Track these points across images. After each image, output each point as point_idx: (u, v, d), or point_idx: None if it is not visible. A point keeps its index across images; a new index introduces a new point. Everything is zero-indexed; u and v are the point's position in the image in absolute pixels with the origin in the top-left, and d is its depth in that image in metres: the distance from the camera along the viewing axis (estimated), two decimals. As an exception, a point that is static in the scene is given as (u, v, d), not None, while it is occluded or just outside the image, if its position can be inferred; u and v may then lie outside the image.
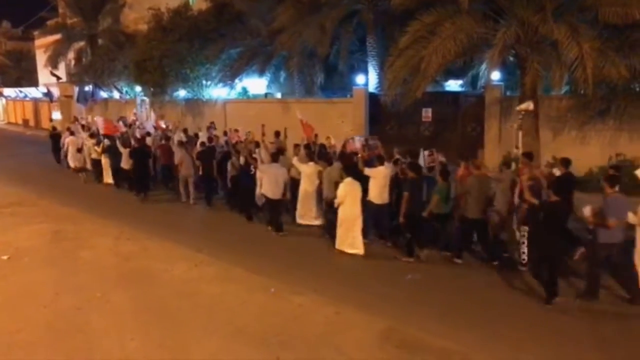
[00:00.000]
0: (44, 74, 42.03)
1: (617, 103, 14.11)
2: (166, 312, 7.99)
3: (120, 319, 7.77)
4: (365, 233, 10.54)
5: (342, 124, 19.75)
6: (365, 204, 10.54)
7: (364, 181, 10.56)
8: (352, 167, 11.12)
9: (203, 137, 16.60)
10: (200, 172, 14.68)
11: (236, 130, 17.03)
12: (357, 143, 13.65)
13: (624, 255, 8.06)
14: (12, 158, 26.47)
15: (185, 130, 18.81)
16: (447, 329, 7.29)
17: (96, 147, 18.00)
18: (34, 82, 47.01)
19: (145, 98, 29.20)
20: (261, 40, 22.67)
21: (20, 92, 47.81)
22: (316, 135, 15.13)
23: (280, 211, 12.18)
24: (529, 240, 9.02)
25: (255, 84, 24.74)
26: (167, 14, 26.04)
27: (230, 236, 12.03)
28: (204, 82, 25.01)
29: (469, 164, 10.28)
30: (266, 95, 25.04)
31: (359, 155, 12.50)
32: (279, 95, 24.76)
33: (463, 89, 18.62)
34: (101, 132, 18.85)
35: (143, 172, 15.81)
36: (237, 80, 24.01)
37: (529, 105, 11.78)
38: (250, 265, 9.84)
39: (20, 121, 49.63)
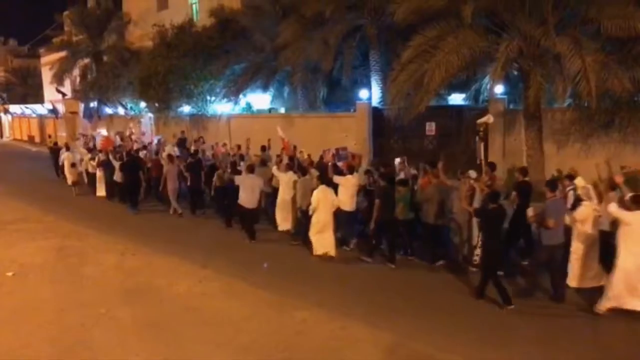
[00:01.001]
0: (49, 91, 42.42)
1: (621, 115, 14.08)
2: (171, 327, 7.96)
3: (125, 335, 7.75)
4: (344, 240, 11.41)
5: (346, 138, 19.77)
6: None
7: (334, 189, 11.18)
8: (326, 175, 11.77)
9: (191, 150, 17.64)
10: (189, 183, 15.24)
11: (224, 145, 18.15)
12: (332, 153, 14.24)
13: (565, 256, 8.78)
14: (17, 174, 26.63)
15: (179, 143, 19.77)
16: (455, 344, 7.23)
17: (92, 162, 18.63)
18: (39, 99, 47.36)
19: (150, 114, 29.39)
20: (265, 56, 22.80)
21: (26, 108, 48.17)
22: (295, 147, 15.71)
23: (255, 220, 12.77)
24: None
25: (259, 99, 24.86)
26: (171, 31, 26.26)
27: (232, 250, 12.02)
28: (208, 97, 25.14)
29: (429, 173, 10.75)
30: (270, 110, 25.13)
31: (330, 163, 13.06)
32: (282, 110, 24.84)
33: (466, 103, 18.63)
34: (97, 147, 19.68)
35: (133, 185, 16.27)
36: (241, 96, 24.11)
37: (488, 118, 12.18)
38: (254, 279, 9.83)
39: (25, 137, 49.92)
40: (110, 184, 17.70)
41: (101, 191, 18.41)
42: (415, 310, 8.45)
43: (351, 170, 11.64)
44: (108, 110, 34.89)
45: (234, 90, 23.66)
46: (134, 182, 16.27)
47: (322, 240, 10.96)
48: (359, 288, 9.51)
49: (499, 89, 15.84)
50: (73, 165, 19.41)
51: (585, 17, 12.64)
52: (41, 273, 10.70)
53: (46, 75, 40.61)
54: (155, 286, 9.73)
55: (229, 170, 13.75)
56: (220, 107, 25.16)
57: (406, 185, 10.73)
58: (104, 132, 27.93)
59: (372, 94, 19.92)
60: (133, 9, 34.91)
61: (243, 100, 24.70)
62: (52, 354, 7.29)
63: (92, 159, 18.70)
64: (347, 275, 10.21)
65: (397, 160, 12.37)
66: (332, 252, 10.94)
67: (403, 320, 8.03)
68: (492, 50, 13.19)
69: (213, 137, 22.69)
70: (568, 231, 8.75)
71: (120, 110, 33.24)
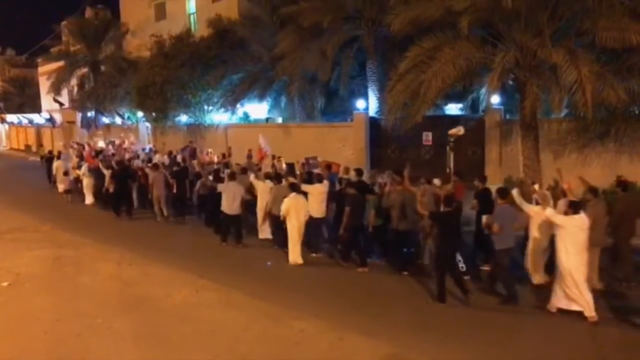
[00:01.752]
0: (46, 101, 42.47)
1: (617, 126, 14.19)
2: (167, 338, 7.92)
3: (121, 345, 7.70)
4: (316, 247, 11.83)
5: (343, 148, 19.84)
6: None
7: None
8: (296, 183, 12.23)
9: (178, 158, 18.63)
10: (174, 191, 15.61)
11: (207, 153, 19.37)
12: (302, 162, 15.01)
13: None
14: (13, 183, 26.60)
15: (170, 153, 20.26)
16: (451, 354, 7.22)
17: (77, 170, 19.29)
18: (36, 109, 47.42)
19: (147, 124, 29.43)
20: (262, 66, 22.91)
21: (23, 118, 48.17)
22: (274, 156, 16.90)
23: (237, 226, 13.03)
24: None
25: (257, 109, 24.94)
26: (169, 41, 26.39)
27: (229, 260, 12.02)
28: (205, 107, 25.22)
29: (394, 180, 11.00)
30: (267, 120, 25.20)
31: (299, 172, 13.89)
32: (280, 120, 24.92)
33: (463, 113, 18.72)
34: (85, 157, 20.36)
35: (123, 193, 16.65)
36: (238, 106, 24.21)
37: (459, 130, 12.64)
38: (251, 289, 9.80)
39: (22, 147, 49.90)
40: (100, 191, 17.97)
41: (88, 199, 18.73)
42: (410, 319, 8.44)
43: (320, 178, 12.13)
44: (105, 119, 34.91)
45: (232, 100, 23.76)
46: (123, 190, 16.66)
47: (297, 250, 11.37)
48: (350, 295, 9.51)
49: (496, 99, 15.92)
50: (65, 173, 19.73)
51: (580, 29, 12.73)
52: (37, 283, 10.63)
53: (43, 84, 40.70)
54: (152, 296, 9.68)
55: (211, 178, 14.12)
56: (218, 116, 25.22)
57: (374, 193, 11.24)
58: (101, 142, 28.09)
59: (369, 104, 20.01)
60: (131, 19, 35.05)
61: (240, 110, 24.79)
62: (48, 364, 7.24)
63: (79, 167, 19.27)
64: (339, 282, 10.23)
65: (371, 171, 13.15)
66: (300, 260, 11.36)
67: (399, 331, 8.01)
68: (488, 60, 13.27)
69: (210, 146, 22.72)
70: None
71: (118, 120, 33.26)
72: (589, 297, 8.01)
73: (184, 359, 7.27)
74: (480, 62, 13.52)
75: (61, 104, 38.18)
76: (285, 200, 11.24)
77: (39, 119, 45.00)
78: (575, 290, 8.00)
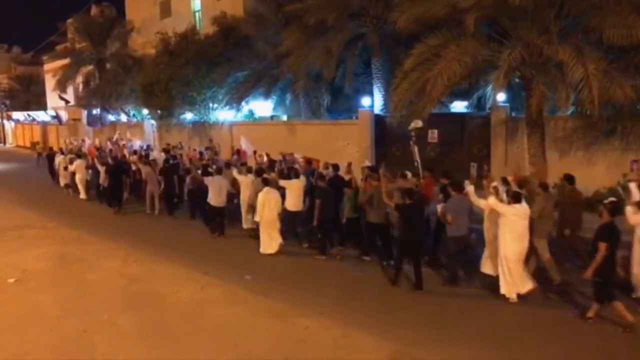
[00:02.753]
0: (52, 98, 42.57)
1: (624, 124, 14.09)
2: (172, 335, 7.94)
3: (127, 342, 7.73)
4: (284, 236, 12.15)
5: (348, 145, 19.81)
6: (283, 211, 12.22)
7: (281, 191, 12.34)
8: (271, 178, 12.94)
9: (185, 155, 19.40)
10: (162, 187, 16.34)
11: (194, 150, 20.62)
12: (298, 157, 15.46)
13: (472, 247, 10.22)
14: (19, 180, 26.71)
15: (164, 150, 20.63)
16: (458, 350, 7.21)
17: (70, 166, 19.78)
18: (42, 106, 47.58)
19: (152, 121, 29.48)
20: (267, 64, 22.89)
21: (29, 115, 48.34)
22: (255, 152, 17.84)
23: (223, 217, 13.81)
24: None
25: (262, 107, 24.92)
26: (174, 38, 26.38)
27: (232, 256, 12.08)
28: (210, 105, 25.22)
29: (370, 176, 11.45)
30: (272, 117, 25.19)
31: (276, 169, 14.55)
32: (285, 118, 24.91)
33: (469, 111, 18.65)
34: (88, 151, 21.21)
35: (117, 188, 17.20)
36: (243, 103, 24.20)
37: (416, 123, 13.09)
38: (255, 286, 9.82)
39: (28, 144, 50.11)
40: (96, 186, 18.94)
41: (82, 194, 19.40)
42: (415, 316, 8.44)
43: (297, 174, 12.84)
44: (111, 117, 34.99)
45: (236, 98, 23.75)
46: (117, 185, 17.26)
47: (269, 240, 11.91)
48: (353, 292, 9.52)
49: (501, 96, 15.85)
50: (65, 168, 20.25)
51: (587, 26, 12.65)
52: (43, 279, 10.68)
53: (49, 82, 40.76)
54: (157, 293, 9.71)
55: (199, 172, 14.79)
56: (223, 114, 25.23)
57: (351, 187, 11.75)
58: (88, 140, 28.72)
59: (374, 101, 19.97)
60: (136, 17, 35.07)
61: (245, 108, 24.77)
62: (54, 360, 7.27)
63: (71, 162, 19.80)
64: (343, 279, 10.22)
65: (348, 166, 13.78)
66: (277, 248, 11.88)
67: (404, 328, 8.01)
68: (494, 58, 13.20)
69: (215, 144, 22.77)
70: None
71: (123, 118, 33.34)
72: (518, 279, 8.72)
73: (190, 355, 7.28)
74: (486, 60, 13.45)
75: (67, 102, 38.30)
76: (259, 194, 11.89)
77: (44, 116, 45.14)
78: (510, 274, 8.70)
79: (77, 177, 19.29)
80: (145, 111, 29.35)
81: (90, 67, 35.65)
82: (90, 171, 19.22)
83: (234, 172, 13.97)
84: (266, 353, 7.29)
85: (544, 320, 8.17)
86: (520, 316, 8.40)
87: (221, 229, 13.71)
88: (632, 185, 9.03)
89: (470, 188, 9.70)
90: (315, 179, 12.28)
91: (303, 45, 20.13)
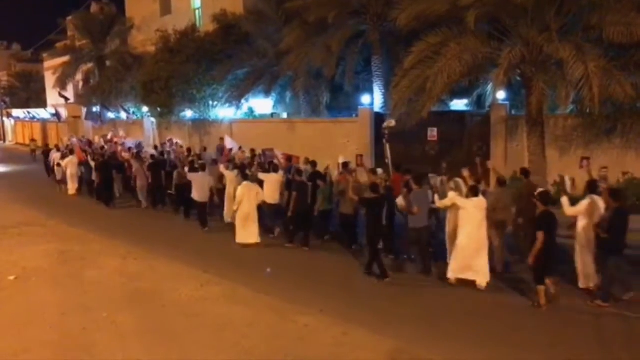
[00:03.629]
0: (52, 95, 42.58)
1: (624, 122, 14.10)
2: (173, 332, 7.95)
3: (127, 340, 7.73)
4: (266, 228, 12.98)
5: (348, 143, 19.80)
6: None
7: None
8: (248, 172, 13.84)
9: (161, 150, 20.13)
10: (149, 181, 16.94)
11: (181, 147, 21.01)
12: (278, 154, 16.03)
13: (434, 238, 11.03)
14: (19, 178, 26.68)
15: (156, 147, 21.27)
16: (456, 348, 7.21)
17: (60, 161, 20.33)
18: (42, 104, 47.57)
19: (152, 119, 29.46)
20: (268, 61, 22.87)
21: (29, 113, 48.31)
22: (240, 147, 18.33)
23: (206, 211, 14.44)
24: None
25: (262, 104, 24.90)
26: (174, 36, 26.33)
27: (231, 254, 12.10)
28: (210, 102, 25.19)
29: (345, 171, 12.57)
30: (272, 115, 25.17)
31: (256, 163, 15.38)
32: (285, 115, 24.89)
33: (469, 109, 18.64)
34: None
35: (107, 184, 17.94)
36: (243, 101, 24.17)
37: (390, 122, 13.82)
38: (255, 284, 9.82)
39: (28, 142, 50.07)
40: (88, 182, 19.64)
41: (72, 189, 19.91)
42: (416, 313, 8.44)
43: (275, 168, 13.47)
44: (111, 114, 34.98)
45: (237, 95, 23.73)
46: (107, 181, 17.98)
47: (246, 231, 12.39)
48: (354, 290, 9.53)
49: (502, 95, 15.83)
50: (58, 165, 20.62)
51: (587, 24, 12.65)
52: (43, 277, 10.68)
53: (49, 79, 40.79)
54: (157, 291, 9.72)
55: (186, 169, 15.16)
56: (223, 112, 25.21)
57: (325, 180, 12.64)
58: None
59: (374, 99, 19.95)
60: (136, 14, 35.02)
61: (245, 105, 24.75)
62: (54, 358, 7.27)
63: (62, 158, 20.34)
64: (344, 277, 10.26)
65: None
66: (256, 240, 12.41)
67: (404, 325, 8.02)
68: (494, 56, 13.20)
69: (215, 141, 22.72)
70: None
71: (123, 115, 33.32)
72: (481, 267, 9.32)
73: (189, 353, 7.28)
74: (486, 58, 13.45)
75: (67, 99, 38.27)
76: (239, 188, 12.44)
77: (44, 113, 45.11)
78: (470, 260, 9.32)
79: (68, 173, 19.79)
80: (145, 109, 29.33)
81: (90, 65, 35.63)
82: (82, 168, 19.74)
83: (221, 168, 14.53)
84: (266, 351, 7.29)
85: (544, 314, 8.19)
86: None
87: (203, 223, 14.26)
88: (567, 178, 10.81)
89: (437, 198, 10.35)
90: (293, 173, 13.00)
91: (303, 43, 20.11)
